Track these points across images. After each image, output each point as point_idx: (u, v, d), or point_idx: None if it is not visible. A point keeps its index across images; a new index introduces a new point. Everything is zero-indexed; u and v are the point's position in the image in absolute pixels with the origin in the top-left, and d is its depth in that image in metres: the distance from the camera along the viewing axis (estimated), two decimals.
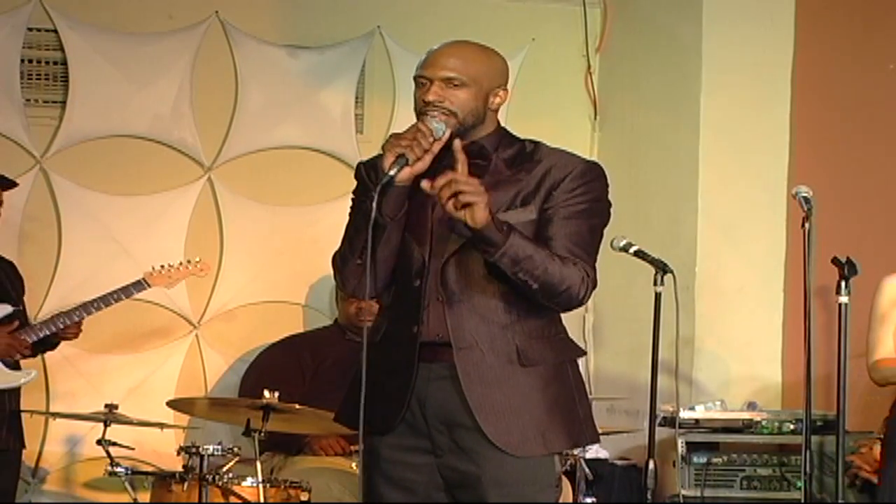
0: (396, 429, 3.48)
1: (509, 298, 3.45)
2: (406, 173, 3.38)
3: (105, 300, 5.71)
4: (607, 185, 3.55)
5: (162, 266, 5.86)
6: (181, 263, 5.93)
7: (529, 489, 3.45)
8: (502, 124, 3.60)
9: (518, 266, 3.36)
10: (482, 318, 3.44)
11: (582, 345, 6.69)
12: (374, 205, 3.32)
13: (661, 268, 5.41)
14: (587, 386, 6.92)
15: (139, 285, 5.80)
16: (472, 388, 3.42)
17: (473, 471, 3.44)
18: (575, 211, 3.46)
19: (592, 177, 3.51)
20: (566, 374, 3.53)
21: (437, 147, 3.41)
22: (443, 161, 3.43)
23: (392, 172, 3.35)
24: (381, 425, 3.47)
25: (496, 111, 3.55)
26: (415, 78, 3.50)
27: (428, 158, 3.40)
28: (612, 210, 3.58)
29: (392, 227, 3.42)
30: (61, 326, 5.66)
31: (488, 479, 3.42)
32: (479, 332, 3.44)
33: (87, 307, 5.70)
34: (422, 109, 3.46)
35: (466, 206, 3.27)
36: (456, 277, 3.43)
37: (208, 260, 6.46)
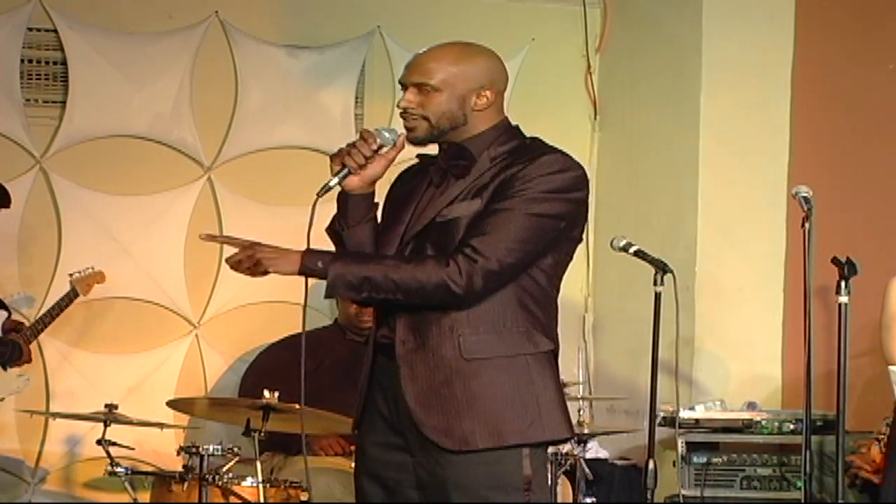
0: (376, 426, 3.51)
1: None
2: (355, 182, 3.47)
3: (46, 318, 5.94)
4: (577, 180, 3.45)
5: (79, 272, 6.10)
6: (90, 268, 6.15)
7: (494, 493, 3.41)
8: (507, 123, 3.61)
9: (362, 289, 3.38)
10: (423, 314, 3.43)
11: (582, 345, 6.76)
12: (309, 218, 3.39)
13: (661, 268, 5.41)
14: (588, 385, 6.96)
15: (74, 293, 6.03)
16: (415, 385, 3.41)
17: (439, 472, 3.43)
18: (520, 200, 3.38)
19: (556, 168, 3.43)
20: (522, 368, 3.44)
21: (392, 154, 3.49)
22: (431, 166, 3.52)
23: (332, 182, 3.44)
24: (355, 424, 3.59)
25: (483, 111, 3.52)
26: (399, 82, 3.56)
27: (378, 165, 3.47)
28: (579, 209, 3.47)
29: (354, 234, 3.50)
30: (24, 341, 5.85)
31: (452, 482, 3.41)
32: (424, 329, 3.43)
33: (35, 327, 5.93)
34: (401, 115, 3.51)
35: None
36: None
37: (208, 259, 6.50)
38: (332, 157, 3.48)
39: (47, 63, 6.50)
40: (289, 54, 6.70)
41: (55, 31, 6.45)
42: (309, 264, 3.37)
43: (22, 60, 6.42)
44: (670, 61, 6.65)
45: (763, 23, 6.48)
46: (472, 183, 3.46)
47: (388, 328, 3.48)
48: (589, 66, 7.02)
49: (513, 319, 3.45)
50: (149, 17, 6.58)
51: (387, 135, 3.46)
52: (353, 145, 3.46)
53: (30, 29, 6.44)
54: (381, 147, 3.47)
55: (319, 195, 3.40)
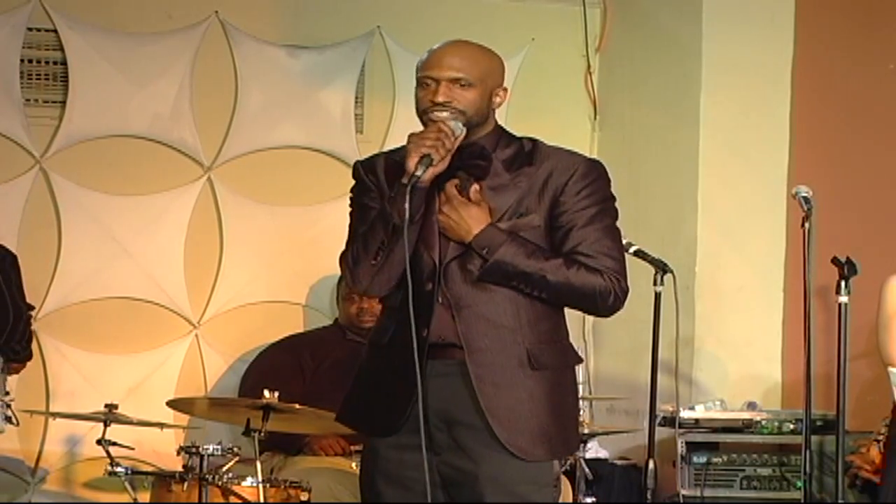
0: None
1: (517, 302, 3.46)
2: (429, 174, 3.41)
3: None
4: (610, 181, 3.57)
5: None
6: None
7: (527, 488, 3.45)
8: (500, 124, 3.61)
9: (511, 281, 3.42)
10: (489, 321, 3.45)
11: (582, 345, 6.77)
12: (407, 206, 3.35)
13: (661, 268, 5.41)
14: (587, 386, 6.99)
15: None
16: (485, 391, 3.43)
17: (471, 469, 3.44)
18: (588, 217, 3.48)
19: (595, 176, 3.53)
20: (568, 380, 3.55)
21: (454, 148, 3.45)
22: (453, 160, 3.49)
23: (419, 173, 3.38)
24: (384, 428, 3.50)
25: (496, 110, 3.57)
26: (419, 79, 3.50)
27: (448, 158, 3.44)
28: (617, 204, 3.59)
29: (410, 229, 3.44)
30: None
31: (485, 478, 3.43)
32: (489, 336, 3.45)
33: None
34: (429, 109, 3.46)
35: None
36: (461, 281, 3.45)
37: (208, 259, 6.50)
38: (410, 148, 3.41)
39: (47, 63, 6.50)
40: (289, 54, 6.70)
41: (55, 31, 6.45)
42: (477, 242, 3.42)
43: (22, 60, 6.42)
44: (670, 61, 6.65)
45: (763, 23, 6.48)
46: (517, 196, 3.48)
47: (434, 328, 3.45)
48: (589, 66, 7.02)
49: (560, 331, 3.55)
50: (149, 17, 6.58)
51: (456, 125, 3.44)
52: (435, 138, 3.40)
53: (30, 29, 6.43)
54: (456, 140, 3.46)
55: (409, 186, 3.37)
